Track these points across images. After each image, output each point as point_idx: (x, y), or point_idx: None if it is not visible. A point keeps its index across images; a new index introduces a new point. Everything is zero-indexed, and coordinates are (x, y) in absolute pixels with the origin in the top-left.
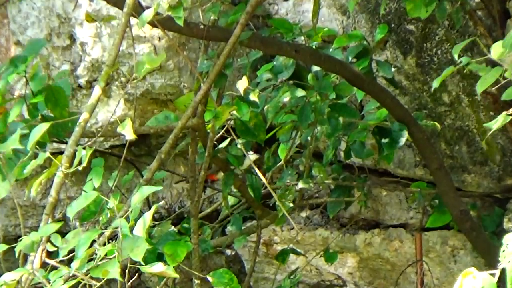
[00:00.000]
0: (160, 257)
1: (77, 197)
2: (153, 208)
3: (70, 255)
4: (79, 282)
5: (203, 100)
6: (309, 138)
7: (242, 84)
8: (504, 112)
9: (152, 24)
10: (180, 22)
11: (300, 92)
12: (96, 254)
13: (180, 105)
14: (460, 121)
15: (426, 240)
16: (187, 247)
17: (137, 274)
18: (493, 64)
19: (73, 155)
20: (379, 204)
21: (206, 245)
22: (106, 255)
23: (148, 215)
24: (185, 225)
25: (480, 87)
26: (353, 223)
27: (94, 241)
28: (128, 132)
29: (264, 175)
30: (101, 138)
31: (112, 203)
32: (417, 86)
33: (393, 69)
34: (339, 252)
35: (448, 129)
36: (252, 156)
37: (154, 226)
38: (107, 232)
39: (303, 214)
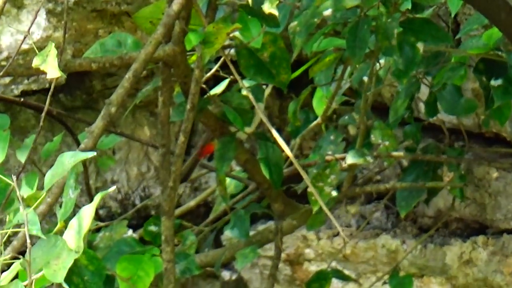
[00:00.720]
0: (109, 283)
1: None
2: (98, 197)
3: None
4: None
5: (182, 13)
6: (365, 79)
7: None
8: None
9: None
10: None
11: (351, 0)
12: None
13: (143, 21)
14: None
15: None
16: (156, 266)
17: None
18: None
19: None
20: (486, 194)
21: (188, 262)
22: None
23: (89, 210)
24: (152, 228)
25: None
26: (441, 227)
27: None
28: (52, 68)
29: (288, 142)
30: (7, 79)
31: (25, 189)
32: None
33: None
34: (417, 276)
35: None
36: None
37: (99, 229)
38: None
39: (355, 210)
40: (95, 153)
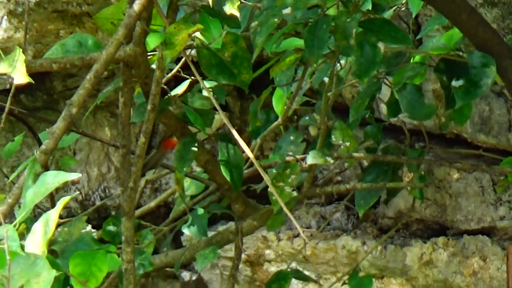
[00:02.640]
0: (65, 281)
1: None
2: (61, 202)
3: None
4: None
5: (144, 14)
6: (326, 79)
7: None
8: None
9: None
10: None
11: None
12: None
13: (104, 22)
14: None
15: None
16: (113, 263)
17: None
18: None
19: None
20: (447, 195)
21: (142, 258)
22: None
23: (53, 215)
24: (110, 228)
25: None
26: (401, 228)
27: None
28: (20, 74)
29: (248, 143)
30: None
31: None
32: None
33: None
34: (377, 277)
35: None
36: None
37: (58, 226)
38: None
39: (315, 211)
40: (80, 175)
